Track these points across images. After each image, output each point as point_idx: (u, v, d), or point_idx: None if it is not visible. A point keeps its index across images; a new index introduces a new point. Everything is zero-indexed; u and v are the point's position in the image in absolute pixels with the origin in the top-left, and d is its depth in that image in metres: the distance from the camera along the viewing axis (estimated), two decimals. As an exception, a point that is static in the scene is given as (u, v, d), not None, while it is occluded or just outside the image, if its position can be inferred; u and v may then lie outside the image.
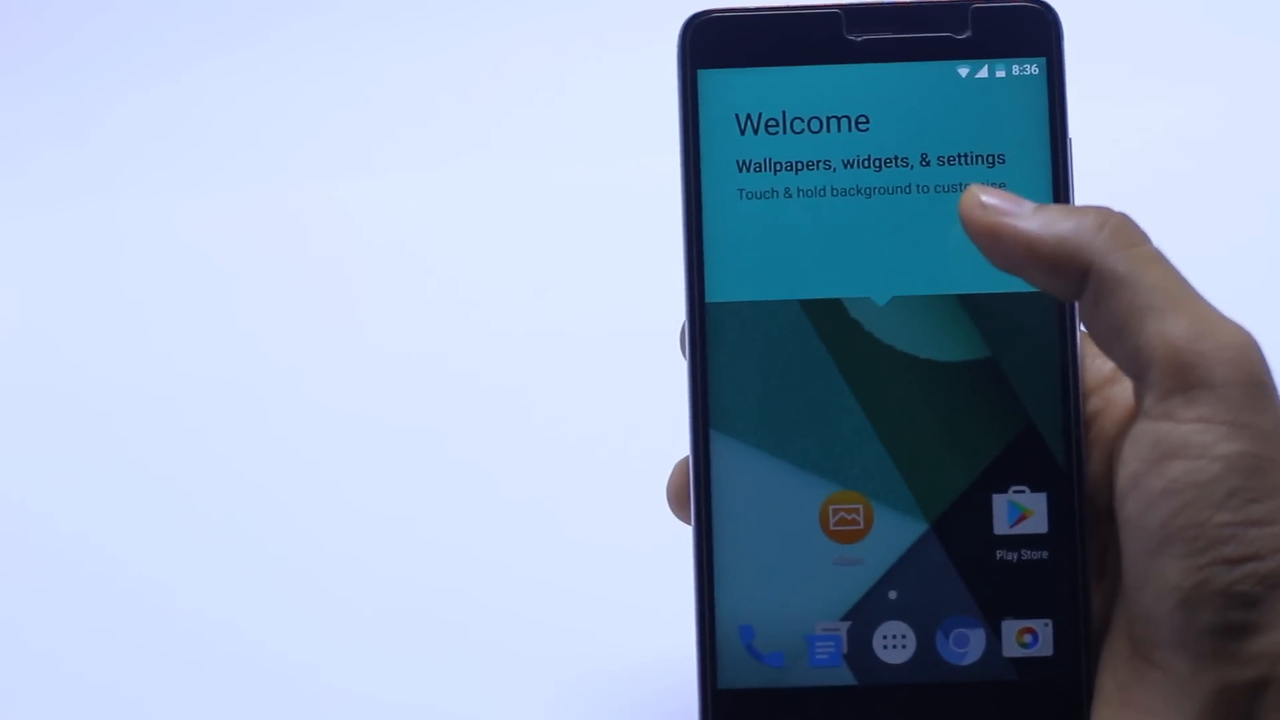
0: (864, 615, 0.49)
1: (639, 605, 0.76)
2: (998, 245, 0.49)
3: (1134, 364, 0.47)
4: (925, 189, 0.51)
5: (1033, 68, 0.51)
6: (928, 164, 0.51)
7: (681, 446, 0.80)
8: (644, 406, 0.85)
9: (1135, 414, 0.48)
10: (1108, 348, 0.48)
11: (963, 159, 0.51)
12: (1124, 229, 0.48)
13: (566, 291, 0.90)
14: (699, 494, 0.50)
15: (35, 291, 0.92)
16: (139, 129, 0.96)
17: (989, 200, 0.49)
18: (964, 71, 0.51)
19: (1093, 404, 0.51)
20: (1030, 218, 0.48)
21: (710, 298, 0.51)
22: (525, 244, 0.91)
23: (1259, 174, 0.85)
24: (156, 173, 0.95)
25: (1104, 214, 0.48)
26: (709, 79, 0.51)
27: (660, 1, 0.80)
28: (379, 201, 0.93)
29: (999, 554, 0.49)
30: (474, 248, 0.92)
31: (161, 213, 0.94)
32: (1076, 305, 0.50)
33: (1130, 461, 0.47)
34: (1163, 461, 0.46)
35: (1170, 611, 0.46)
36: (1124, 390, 0.51)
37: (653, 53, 0.91)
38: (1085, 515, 0.50)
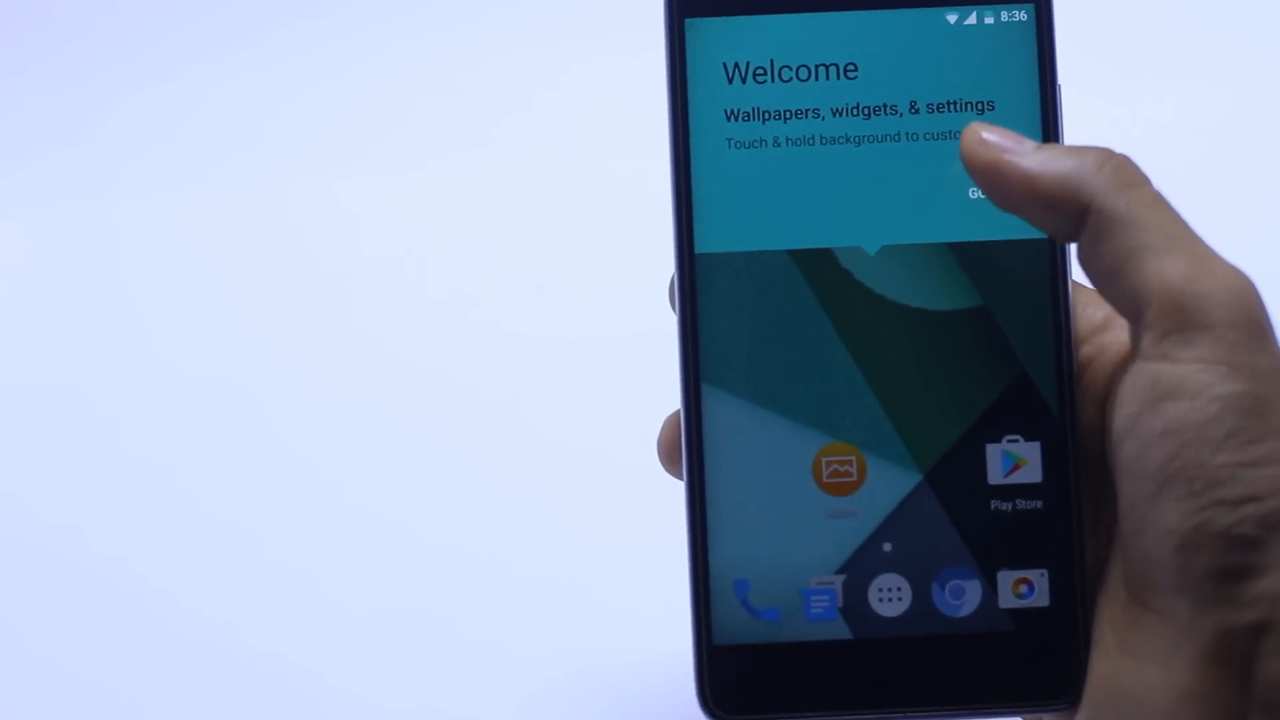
0: (859, 568, 0.49)
1: (638, 603, 0.76)
2: (997, 182, 0.48)
3: (1131, 305, 0.47)
4: (915, 137, 0.50)
5: (1021, 14, 0.51)
6: (917, 112, 0.50)
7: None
8: (644, 405, 0.84)
9: (1131, 356, 0.47)
10: (1105, 288, 0.48)
11: (952, 106, 0.50)
12: (1125, 169, 0.47)
13: (567, 290, 0.90)
14: (691, 448, 0.49)
15: (35, 291, 0.92)
16: (139, 129, 0.96)
17: (990, 137, 0.49)
18: (952, 18, 0.51)
19: (1084, 352, 0.51)
20: (1030, 155, 0.48)
21: (700, 248, 0.50)
22: (526, 243, 0.91)
23: (1252, 173, 0.84)
24: (156, 172, 0.95)
25: (1105, 154, 0.48)
26: (696, 27, 0.51)
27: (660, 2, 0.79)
28: (378, 201, 0.93)
29: (993, 504, 0.49)
30: (474, 247, 0.92)
31: (161, 212, 0.94)
32: (1070, 251, 0.50)
33: (1127, 403, 0.46)
34: (1160, 402, 0.45)
35: (1169, 555, 0.45)
36: (1116, 338, 0.51)
37: (652, 52, 0.92)
38: (1079, 463, 0.49)
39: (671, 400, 0.83)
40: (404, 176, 0.94)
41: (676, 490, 0.78)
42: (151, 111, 0.97)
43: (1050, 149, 0.48)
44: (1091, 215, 0.47)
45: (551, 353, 0.87)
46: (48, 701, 0.76)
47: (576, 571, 0.79)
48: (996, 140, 0.48)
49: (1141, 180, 0.47)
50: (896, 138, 0.50)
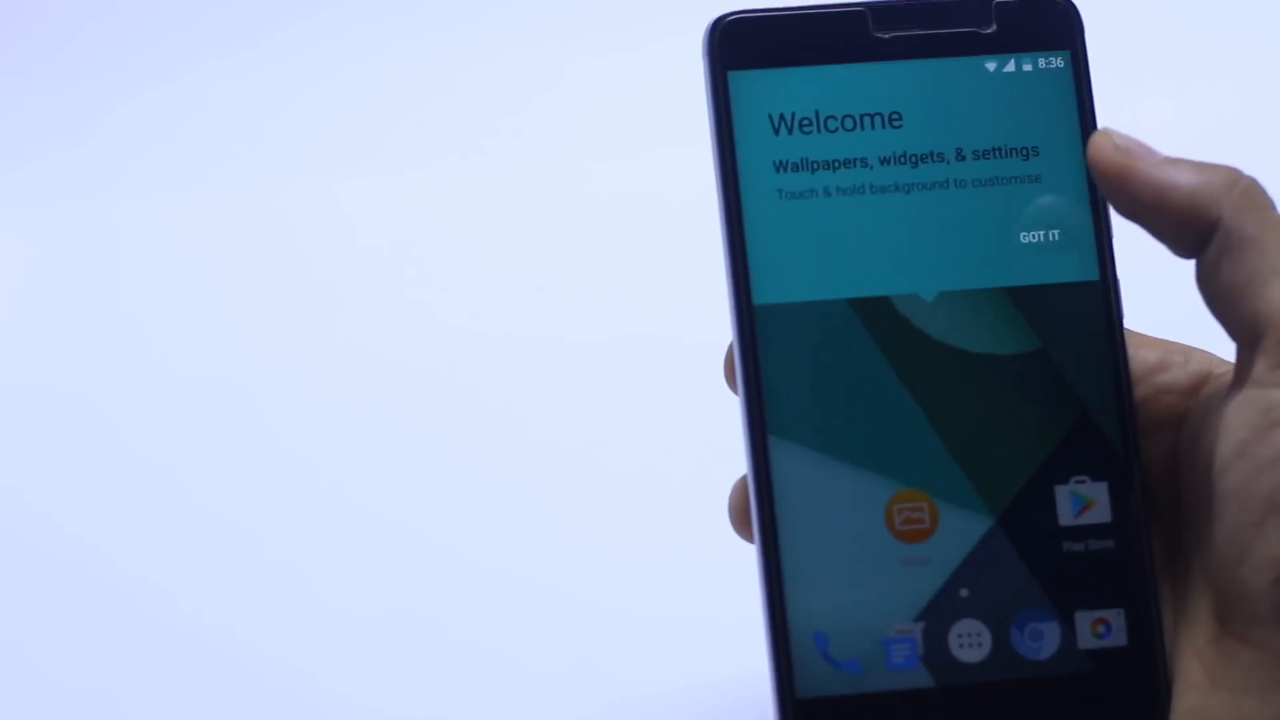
0: (937, 615, 0.49)
1: (634, 605, 0.76)
2: (1126, 188, 0.48)
3: (1248, 329, 0.47)
4: (963, 184, 0.51)
5: (1058, 60, 0.51)
6: (963, 159, 0.51)
7: (684, 445, 0.80)
8: (644, 406, 0.85)
9: (1238, 382, 0.47)
10: (1221, 308, 0.48)
11: (997, 153, 0.51)
12: (1254, 191, 0.48)
13: (566, 291, 0.90)
14: (761, 501, 0.50)
15: (35, 292, 0.92)
16: (137, 130, 0.96)
17: (1122, 143, 0.49)
18: (991, 66, 0.51)
19: (1141, 393, 0.51)
20: (1162, 166, 0.48)
21: (758, 299, 0.50)
22: (524, 244, 0.91)
23: (1253, 173, 0.85)
24: (155, 173, 0.94)
25: (1234, 173, 0.48)
26: (740, 80, 0.51)
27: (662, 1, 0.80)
28: (377, 202, 0.93)
29: (1066, 545, 0.49)
30: (473, 247, 0.92)
31: (160, 213, 0.93)
32: (1121, 293, 0.50)
33: (1235, 429, 0.46)
34: (1273, 429, 0.46)
35: (1268, 585, 0.45)
36: (1174, 378, 0.51)
37: (652, 51, 0.92)
38: (1147, 501, 0.50)
39: (664, 402, 0.84)
40: (402, 177, 0.94)
41: (674, 494, 0.79)
42: (150, 112, 0.96)
43: (1181, 162, 0.48)
44: (1219, 234, 0.47)
45: (551, 354, 0.87)
46: (46, 704, 0.76)
47: (574, 574, 0.79)
48: (1129, 146, 0.49)
49: (1270, 204, 0.48)
50: (945, 185, 0.51)
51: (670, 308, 0.88)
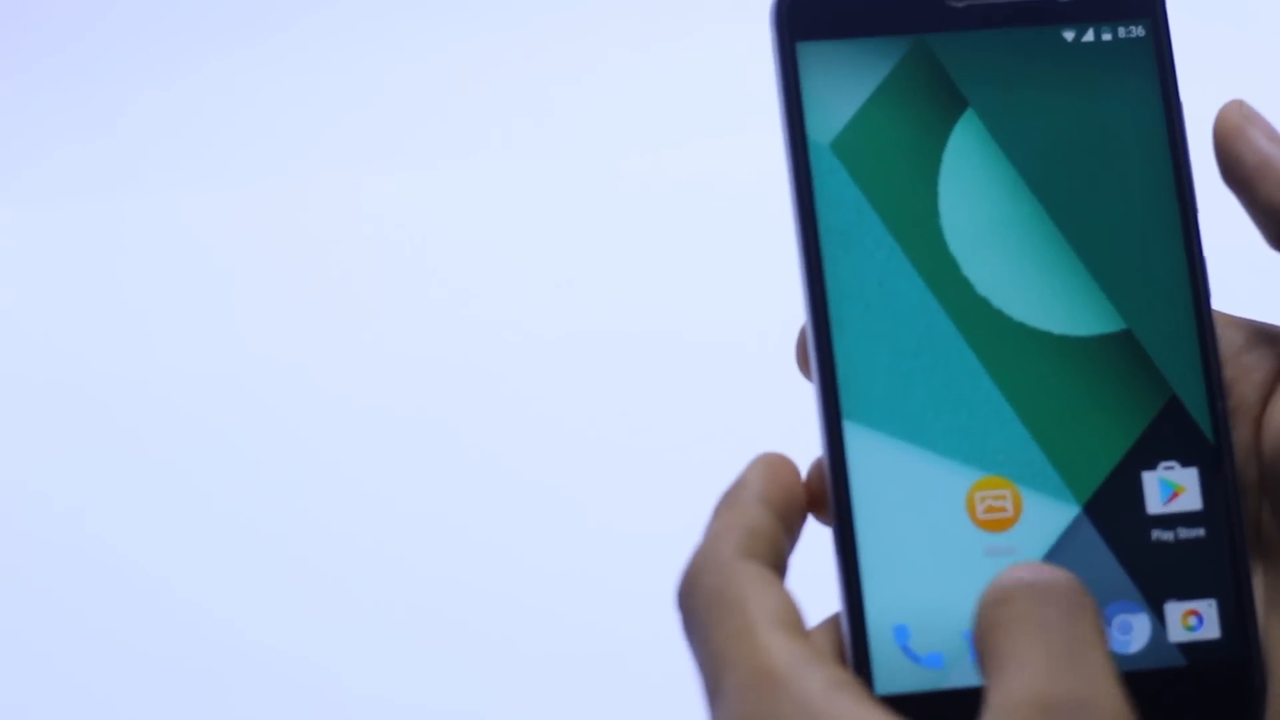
0: None
1: (661, 593, 0.75)
2: (1233, 149, 0.48)
3: None
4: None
5: (1139, 29, 0.50)
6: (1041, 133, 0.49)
7: (711, 437, 0.80)
8: (667, 399, 0.84)
9: None
10: None
11: (1076, 127, 0.49)
12: None
13: (591, 286, 0.90)
14: (837, 489, 0.48)
15: (48, 288, 0.92)
16: (152, 125, 0.96)
17: (1249, 111, 0.48)
18: (1069, 36, 0.49)
19: (1228, 373, 0.50)
20: (1276, 141, 0.48)
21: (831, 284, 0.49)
22: (549, 239, 0.91)
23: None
24: (170, 169, 0.95)
25: None
26: (808, 51, 0.49)
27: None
28: (397, 198, 0.93)
29: (1155, 534, 0.48)
30: (497, 244, 0.92)
31: (175, 208, 0.94)
32: (1208, 271, 0.49)
33: None
34: None
35: None
36: (1259, 357, 0.50)
37: (677, 47, 0.91)
38: (1237, 487, 0.48)
39: (691, 395, 0.83)
40: (423, 173, 0.94)
41: (703, 486, 0.77)
42: (165, 108, 0.96)
43: None
44: None
45: (576, 349, 0.87)
46: (61, 702, 0.76)
47: (602, 567, 0.79)
48: (1251, 114, 0.48)
49: None
50: None
51: (696, 302, 0.88)
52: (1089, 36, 0.50)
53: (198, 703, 0.76)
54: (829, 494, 0.48)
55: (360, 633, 0.78)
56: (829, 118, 0.49)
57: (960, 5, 0.50)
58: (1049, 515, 0.48)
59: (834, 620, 0.47)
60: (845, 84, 0.49)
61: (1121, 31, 0.50)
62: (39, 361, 0.88)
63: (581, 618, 0.77)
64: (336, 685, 0.77)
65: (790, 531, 0.47)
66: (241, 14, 0.97)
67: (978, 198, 0.49)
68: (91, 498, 0.83)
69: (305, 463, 0.84)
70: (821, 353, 0.48)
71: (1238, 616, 0.47)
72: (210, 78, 0.96)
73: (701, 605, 0.44)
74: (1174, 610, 0.48)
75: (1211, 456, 0.48)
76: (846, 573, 0.47)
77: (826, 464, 0.48)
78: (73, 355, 0.89)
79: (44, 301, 0.90)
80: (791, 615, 0.43)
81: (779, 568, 0.46)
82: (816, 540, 0.50)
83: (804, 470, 0.49)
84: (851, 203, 0.49)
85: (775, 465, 0.48)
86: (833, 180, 0.49)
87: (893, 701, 0.47)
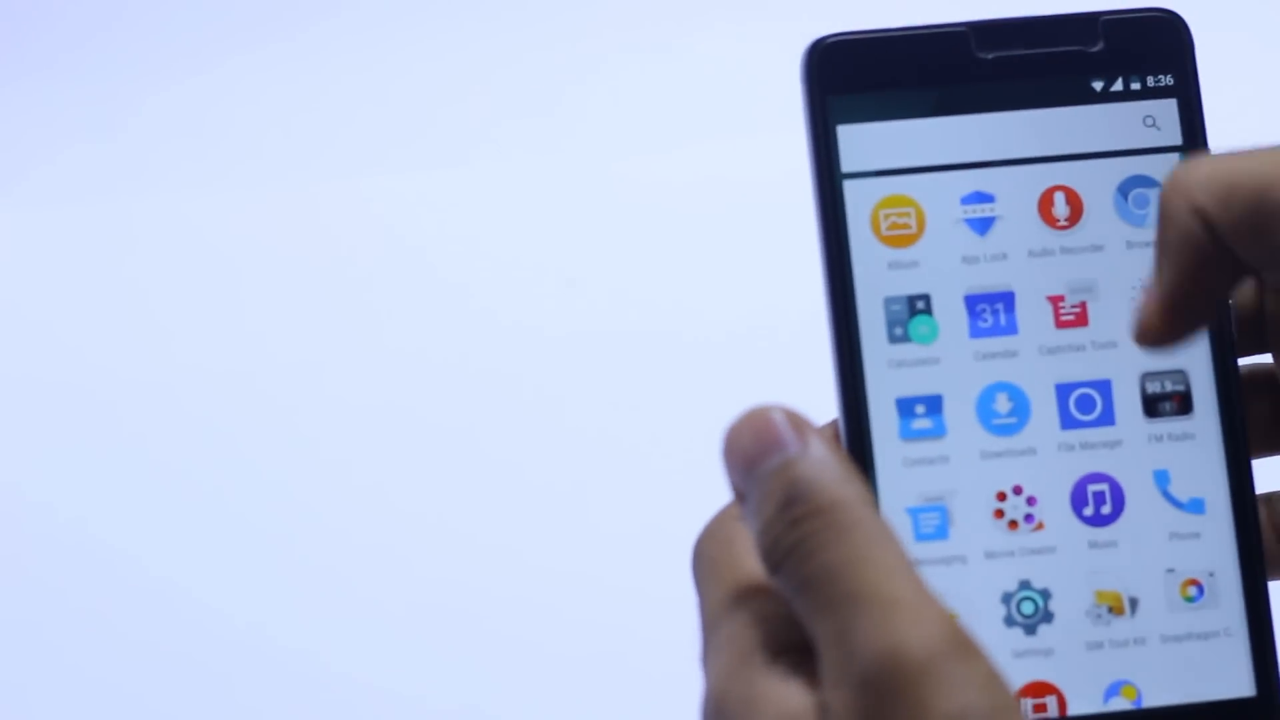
0: None
1: (669, 594, 0.77)
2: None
3: None
4: None
5: (1168, 78, 0.50)
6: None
7: (715, 438, 0.80)
8: (673, 399, 0.85)
9: None
10: None
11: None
12: None
13: (596, 286, 0.90)
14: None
15: (58, 288, 0.91)
16: (162, 126, 0.96)
17: None
18: (1098, 86, 0.50)
19: None
20: None
21: (865, 350, 0.50)
22: (554, 239, 0.92)
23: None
24: (179, 169, 0.94)
25: None
26: (838, 104, 0.50)
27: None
28: (404, 198, 0.93)
29: None
30: (502, 244, 0.92)
31: (185, 209, 0.93)
32: None
33: None
34: None
35: None
36: None
37: (681, 47, 0.92)
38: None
39: (696, 395, 0.84)
40: (429, 174, 0.94)
41: (698, 483, 0.79)
42: (175, 108, 0.96)
43: None
44: None
45: (581, 349, 0.88)
46: (73, 703, 0.76)
47: (602, 564, 0.79)
48: None
49: None
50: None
51: (700, 302, 0.88)
52: (1118, 87, 0.50)
53: (210, 702, 0.77)
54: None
55: (368, 629, 0.78)
56: (861, 170, 0.50)
57: (989, 57, 0.50)
58: None
59: None
60: (876, 136, 0.50)
61: (1150, 82, 0.50)
62: (48, 362, 0.89)
63: (589, 616, 0.77)
64: (344, 682, 0.77)
65: None
66: (250, 17, 0.97)
67: None
68: (100, 498, 0.83)
69: (313, 462, 0.84)
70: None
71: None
72: (219, 80, 0.96)
73: (703, 572, 0.45)
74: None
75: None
76: None
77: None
78: (82, 356, 0.89)
79: (53, 302, 0.91)
80: None
81: None
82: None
83: None
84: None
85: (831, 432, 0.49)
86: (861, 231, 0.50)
87: None
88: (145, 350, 0.89)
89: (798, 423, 0.42)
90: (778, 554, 0.41)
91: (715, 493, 0.71)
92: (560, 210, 0.92)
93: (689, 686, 0.73)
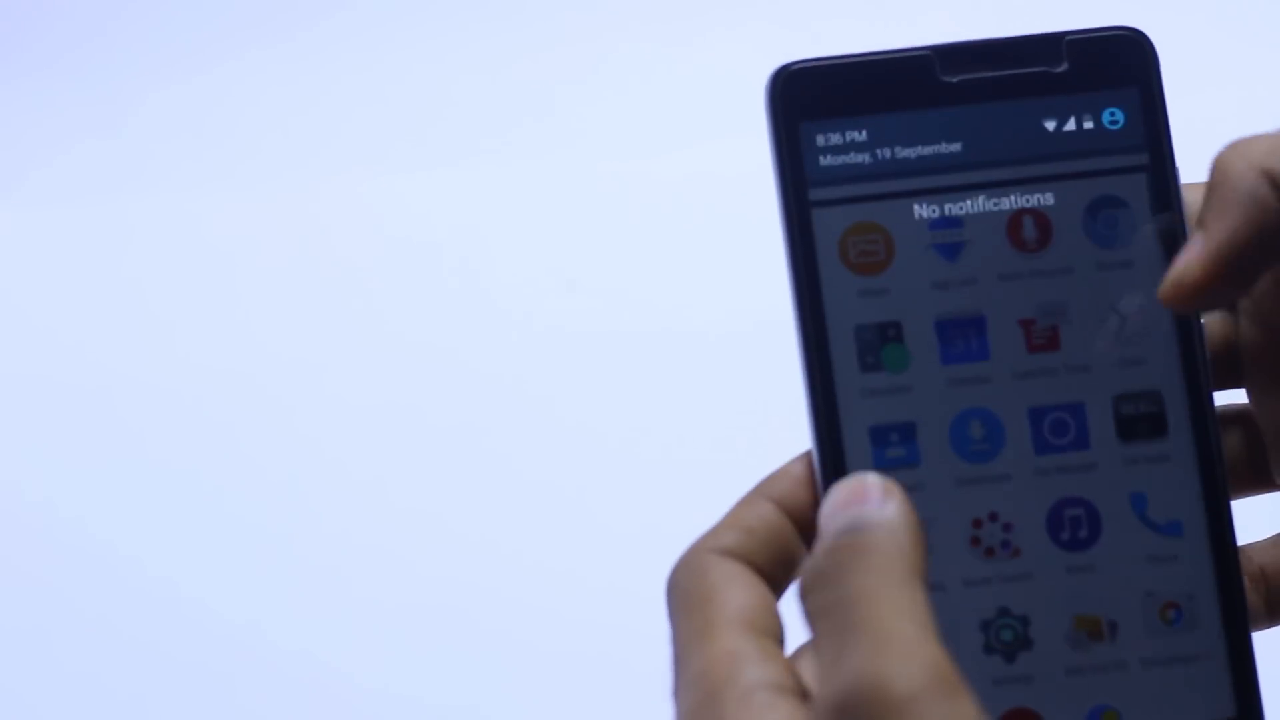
0: None
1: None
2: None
3: None
4: None
5: (1134, 97, 0.50)
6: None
7: (714, 437, 0.80)
8: (677, 400, 0.85)
9: None
10: None
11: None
12: None
13: (596, 287, 0.90)
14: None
15: (60, 287, 0.92)
16: (164, 126, 0.96)
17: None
18: (1064, 107, 0.50)
19: None
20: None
21: (841, 391, 0.50)
22: (554, 241, 0.92)
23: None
24: (181, 168, 0.95)
25: None
26: (805, 130, 0.50)
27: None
28: (405, 199, 0.93)
29: None
30: (503, 245, 0.92)
31: (187, 208, 0.94)
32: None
33: None
34: None
35: None
36: None
37: (680, 50, 0.92)
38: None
39: (695, 395, 0.84)
40: (430, 174, 0.94)
41: (698, 483, 0.80)
42: (177, 108, 0.96)
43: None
44: None
45: (581, 350, 0.88)
46: (73, 703, 0.77)
47: (605, 564, 0.80)
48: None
49: None
50: None
51: (700, 302, 0.88)
52: (1084, 107, 0.50)
53: (210, 700, 0.77)
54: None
55: (368, 629, 0.79)
56: (828, 198, 0.50)
57: (954, 80, 0.50)
58: None
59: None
60: (842, 163, 0.50)
61: (1117, 101, 0.50)
62: (48, 361, 0.89)
63: (589, 616, 0.78)
64: (344, 682, 0.77)
65: (807, 532, 0.47)
66: (250, 17, 0.97)
67: None
68: (100, 498, 0.84)
69: (313, 462, 0.84)
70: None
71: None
72: (221, 79, 0.96)
73: (675, 604, 0.45)
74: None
75: None
76: None
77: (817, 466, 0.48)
78: (82, 355, 0.89)
79: (54, 302, 0.91)
80: (759, 616, 0.44)
81: (777, 568, 0.46)
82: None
83: None
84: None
85: (809, 464, 0.48)
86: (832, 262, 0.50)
87: None
88: (145, 349, 0.89)
89: (888, 488, 0.43)
90: (808, 579, 0.41)
91: (715, 492, 0.71)
92: (560, 211, 0.92)
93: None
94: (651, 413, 0.86)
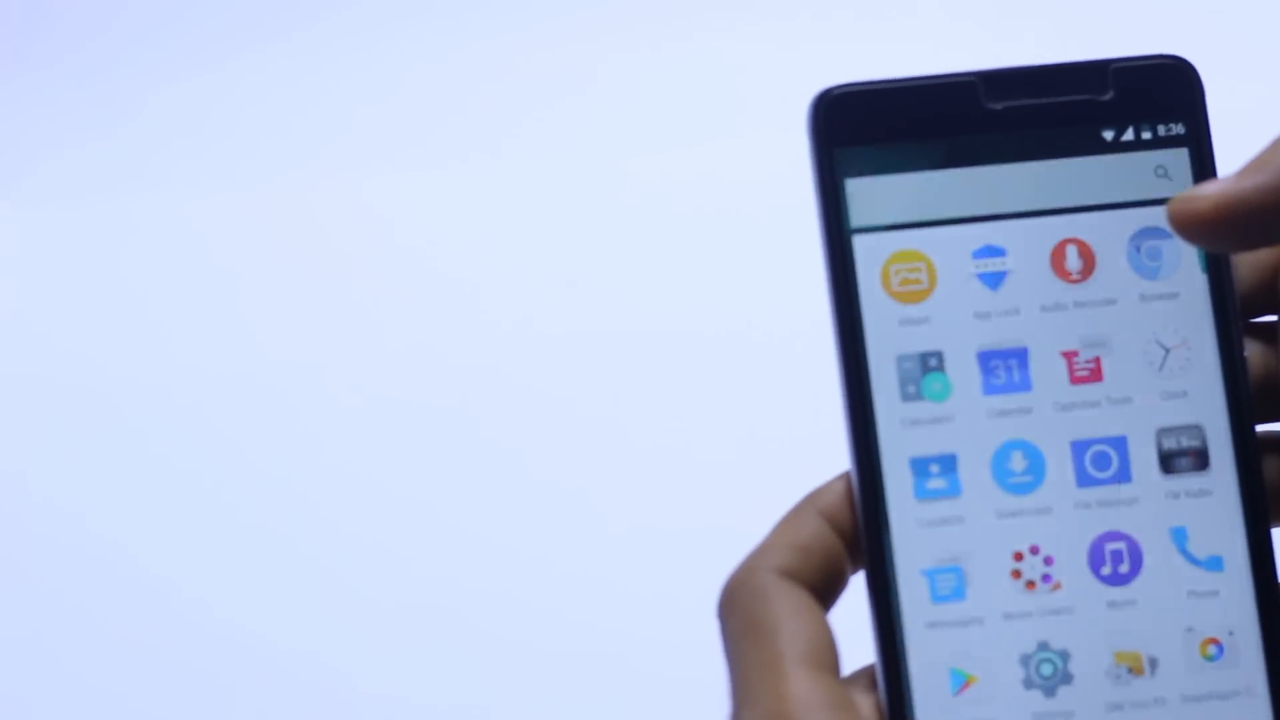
0: None
1: (668, 592, 0.77)
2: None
3: None
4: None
5: (1179, 127, 0.50)
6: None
7: (715, 436, 0.80)
8: (678, 399, 0.85)
9: None
10: None
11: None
12: None
13: (597, 287, 0.90)
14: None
15: (58, 288, 0.92)
16: (163, 126, 0.96)
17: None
18: (1108, 136, 0.50)
19: None
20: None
21: (880, 418, 0.49)
22: (555, 240, 0.92)
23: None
24: (181, 169, 0.94)
25: None
26: (846, 156, 0.49)
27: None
28: (405, 199, 0.93)
29: None
30: (503, 245, 0.92)
31: (185, 209, 0.93)
32: None
33: None
34: None
35: None
36: None
37: (682, 48, 0.92)
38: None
39: (696, 395, 0.84)
40: (431, 174, 0.94)
41: (699, 483, 0.79)
42: (175, 108, 0.96)
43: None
44: None
45: (581, 349, 0.88)
46: (71, 702, 0.77)
47: (606, 563, 0.80)
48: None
49: None
50: None
51: (701, 302, 0.88)
52: (1129, 136, 0.50)
53: (209, 700, 0.77)
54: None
55: (368, 629, 0.79)
56: (870, 224, 0.49)
57: (999, 107, 0.50)
58: None
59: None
60: (885, 190, 0.49)
61: (1161, 131, 0.50)
62: (48, 361, 0.89)
63: (590, 616, 0.78)
64: (344, 682, 0.77)
65: (854, 550, 0.47)
66: (250, 17, 0.97)
67: None
68: (100, 498, 0.84)
69: (313, 462, 0.84)
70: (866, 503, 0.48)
71: None
72: (219, 80, 0.96)
73: (736, 628, 0.44)
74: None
75: None
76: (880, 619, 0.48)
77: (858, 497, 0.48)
78: (81, 355, 0.89)
79: (53, 302, 0.91)
80: (823, 650, 0.44)
81: (829, 588, 0.46)
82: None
83: None
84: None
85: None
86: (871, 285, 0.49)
87: None
88: (145, 350, 0.89)
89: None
90: None
91: (715, 492, 0.72)
92: (560, 211, 0.92)
93: (689, 687, 0.74)
94: (652, 413, 0.85)
